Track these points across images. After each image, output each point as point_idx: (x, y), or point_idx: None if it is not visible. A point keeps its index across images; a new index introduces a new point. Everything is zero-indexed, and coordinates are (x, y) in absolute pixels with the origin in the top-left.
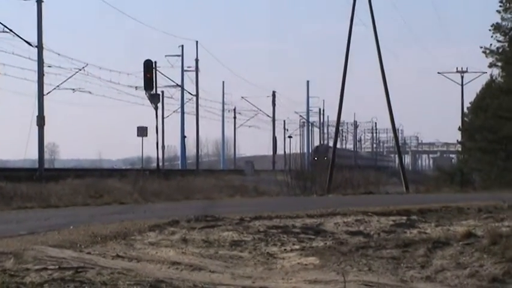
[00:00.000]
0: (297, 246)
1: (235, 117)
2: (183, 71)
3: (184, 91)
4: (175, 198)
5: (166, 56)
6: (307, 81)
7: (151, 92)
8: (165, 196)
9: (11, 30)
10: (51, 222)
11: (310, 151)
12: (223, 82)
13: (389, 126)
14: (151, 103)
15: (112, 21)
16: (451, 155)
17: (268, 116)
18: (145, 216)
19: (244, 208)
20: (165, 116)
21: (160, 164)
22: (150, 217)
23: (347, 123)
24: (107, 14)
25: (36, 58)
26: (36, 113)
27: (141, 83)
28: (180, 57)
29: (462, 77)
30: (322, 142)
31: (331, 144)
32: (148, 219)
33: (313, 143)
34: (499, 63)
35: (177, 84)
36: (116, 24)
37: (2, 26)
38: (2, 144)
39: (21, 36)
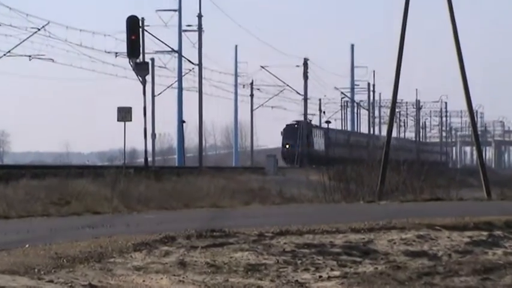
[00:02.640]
0: (336, 273)
1: (252, 95)
2: (180, 30)
3: (183, 59)
4: (170, 207)
5: (157, 10)
6: (352, 45)
7: (137, 60)
8: (156, 203)
9: None
10: None
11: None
12: (235, 46)
13: (465, 107)
14: (137, 75)
15: None
16: None
17: (297, 93)
18: (128, 231)
19: (265, 220)
20: (156, 93)
21: (150, 159)
22: (135, 232)
23: (406, 103)
24: None
25: None
26: None
27: (123, 48)
28: (177, 12)
29: None
30: (307, 119)
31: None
32: (132, 235)
33: (360, 129)
34: None
35: (173, 50)
36: None
37: None
38: None
39: None
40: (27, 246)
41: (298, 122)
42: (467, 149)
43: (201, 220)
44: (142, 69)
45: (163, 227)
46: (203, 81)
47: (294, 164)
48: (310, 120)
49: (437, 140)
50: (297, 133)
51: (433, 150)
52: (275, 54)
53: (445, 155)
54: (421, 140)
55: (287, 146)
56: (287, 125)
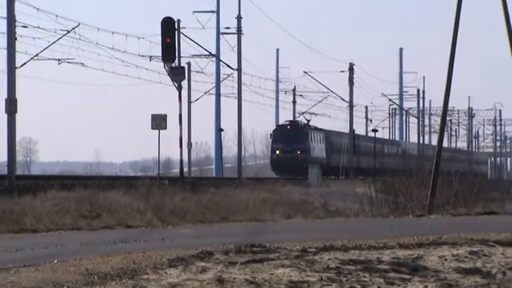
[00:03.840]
0: None
1: (294, 102)
2: (218, 33)
3: (221, 63)
4: (207, 220)
5: (194, 12)
6: (400, 50)
7: (173, 65)
8: (193, 216)
9: None
10: (26, 253)
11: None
12: (277, 50)
13: None
14: (172, 81)
15: None
16: None
17: (342, 99)
18: (163, 246)
19: (308, 234)
20: (192, 99)
21: (185, 169)
22: (170, 247)
23: (458, 111)
24: None
25: (4, 14)
26: (5, 95)
27: (158, 52)
28: (215, 14)
29: None
30: (295, 118)
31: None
32: (167, 250)
33: (408, 138)
34: None
35: (210, 54)
36: None
37: None
38: None
39: None
40: (56, 261)
41: (291, 122)
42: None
43: (240, 234)
44: (178, 74)
45: (200, 242)
46: (242, 87)
47: (286, 174)
48: (309, 121)
49: (491, 150)
50: (291, 136)
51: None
52: (319, 59)
53: (485, 164)
54: (473, 149)
55: (277, 152)
56: (278, 126)
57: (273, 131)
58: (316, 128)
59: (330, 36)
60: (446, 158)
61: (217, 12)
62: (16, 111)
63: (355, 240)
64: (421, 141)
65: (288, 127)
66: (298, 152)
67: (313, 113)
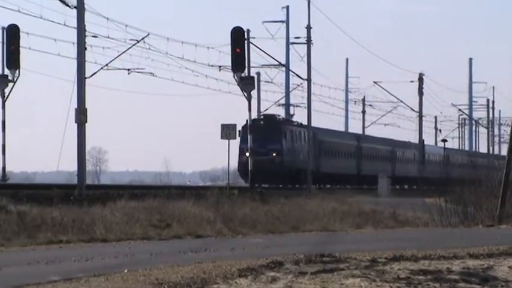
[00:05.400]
0: None
1: (364, 112)
2: (288, 43)
3: (291, 73)
4: (277, 230)
5: (264, 22)
6: (470, 60)
7: (242, 75)
8: (262, 226)
9: None
10: (96, 263)
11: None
12: (346, 60)
13: None
14: (242, 90)
15: None
16: None
17: (412, 109)
18: (233, 256)
19: (378, 244)
20: (262, 109)
21: None
22: (240, 256)
23: None
24: None
25: (74, 24)
26: (75, 105)
27: (228, 62)
28: (284, 24)
29: None
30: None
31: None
32: (237, 260)
33: (478, 148)
34: None
35: (280, 63)
36: None
37: None
38: (28, 150)
39: None
40: (126, 271)
41: (265, 117)
42: None
43: (310, 244)
44: (247, 84)
45: (270, 251)
46: (312, 96)
47: (257, 181)
48: (291, 115)
49: None
50: (265, 133)
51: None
52: (388, 69)
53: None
54: None
55: (246, 154)
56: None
57: (242, 127)
58: (300, 125)
59: (400, 47)
60: None
61: (287, 22)
62: (86, 121)
63: (425, 250)
64: (490, 151)
65: (262, 122)
66: (274, 154)
67: (385, 124)
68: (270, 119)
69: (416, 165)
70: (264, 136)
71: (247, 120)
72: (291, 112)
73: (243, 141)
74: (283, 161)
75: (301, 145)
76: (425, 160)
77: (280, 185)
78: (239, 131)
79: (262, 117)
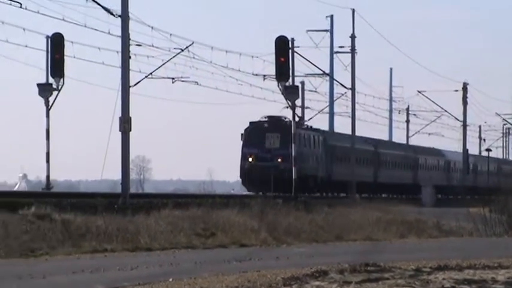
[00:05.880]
0: None
1: (408, 121)
2: (332, 52)
3: (335, 82)
4: (321, 239)
5: (308, 31)
6: None
7: (287, 84)
8: (306, 235)
9: None
10: (141, 271)
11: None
12: (390, 69)
13: None
14: (286, 100)
15: None
16: None
17: (456, 119)
18: (278, 265)
19: (422, 254)
20: (306, 118)
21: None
22: (284, 266)
23: None
24: None
25: (119, 33)
26: (119, 114)
27: (272, 71)
28: (329, 33)
29: None
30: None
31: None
32: (282, 269)
33: None
34: None
35: (324, 73)
36: None
37: None
38: (71, 159)
39: (98, 1)
40: (170, 280)
41: (271, 119)
42: None
43: (354, 253)
44: (291, 93)
45: (315, 261)
46: (356, 105)
47: (261, 189)
48: (300, 117)
49: None
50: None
51: None
52: (432, 78)
53: None
54: None
55: (250, 159)
56: (252, 124)
57: (245, 130)
58: (310, 128)
59: (444, 56)
60: None
61: (331, 31)
62: (130, 130)
63: (469, 259)
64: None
65: (266, 125)
66: (279, 160)
67: (429, 133)
68: (276, 121)
69: (442, 172)
70: (269, 140)
71: (250, 123)
72: (300, 114)
73: (246, 145)
74: (289, 168)
75: (310, 150)
76: (469, 170)
77: (287, 194)
78: (241, 134)
79: (267, 119)
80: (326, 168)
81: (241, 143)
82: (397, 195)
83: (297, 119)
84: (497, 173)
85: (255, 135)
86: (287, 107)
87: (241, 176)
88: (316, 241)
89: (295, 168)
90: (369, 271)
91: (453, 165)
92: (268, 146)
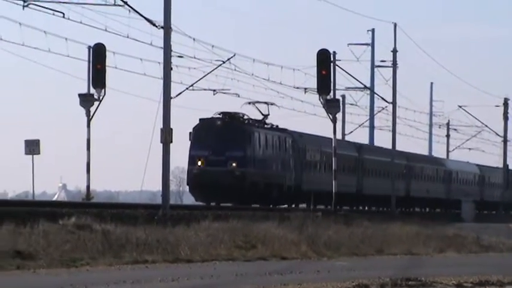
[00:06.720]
0: None
1: (448, 136)
2: (373, 66)
3: (375, 96)
4: (361, 252)
5: (349, 44)
6: None
7: (328, 97)
8: (347, 249)
9: (125, 3)
10: (182, 283)
11: None
12: (431, 84)
13: None
14: (327, 113)
15: None
16: None
17: (497, 134)
18: (319, 278)
19: (462, 269)
20: (346, 131)
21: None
22: (326, 279)
23: None
24: None
25: (161, 44)
26: (160, 125)
27: (313, 84)
28: (370, 47)
29: None
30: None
31: None
32: (323, 282)
33: None
34: None
35: (365, 86)
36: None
37: None
38: (111, 170)
39: (141, 12)
40: None
41: (225, 116)
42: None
43: (395, 268)
44: (332, 106)
45: (355, 274)
46: (396, 119)
47: (211, 199)
48: (265, 116)
49: None
50: (223, 137)
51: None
52: (473, 93)
53: None
54: None
55: (198, 163)
56: (202, 121)
57: (193, 128)
58: (275, 128)
59: (485, 71)
60: None
61: (372, 45)
62: (171, 141)
63: (510, 275)
64: None
65: (219, 123)
66: (234, 165)
67: (469, 148)
68: (231, 118)
69: (440, 184)
70: (222, 140)
71: (200, 120)
72: (264, 112)
73: (194, 147)
74: (245, 173)
75: (273, 154)
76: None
77: (242, 204)
78: (189, 133)
79: (220, 115)
80: (296, 176)
81: (189, 143)
82: (430, 210)
83: (260, 116)
84: None
85: (205, 134)
86: (249, 103)
87: (188, 183)
88: (356, 254)
89: (253, 173)
90: (410, 285)
91: (487, 179)
92: (221, 147)
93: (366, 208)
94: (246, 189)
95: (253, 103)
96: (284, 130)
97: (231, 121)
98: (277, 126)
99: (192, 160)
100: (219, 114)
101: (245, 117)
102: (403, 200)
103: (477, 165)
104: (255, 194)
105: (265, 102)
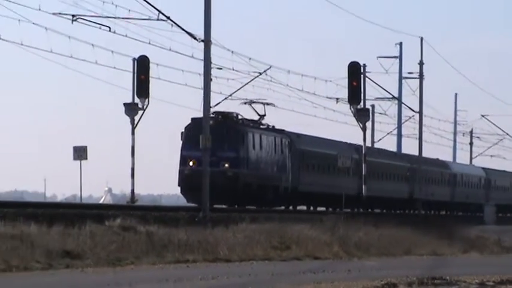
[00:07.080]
0: None
1: (471, 143)
2: (401, 77)
3: (403, 106)
4: (390, 253)
5: (378, 57)
6: None
7: (358, 107)
8: (376, 249)
9: (168, 18)
10: (221, 281)
11: None
12: (455, 94)
13: None
14: (357, 121)
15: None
16: None
17: None
18: (350, 277)
19: (484, 269)
20: (375, 139)
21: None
22: (356, 278)
23: None
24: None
25: (201, 57)
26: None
27: (344, 94)
28: (398, 60)
29: None
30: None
31: None
32: (354, 281)
33: None
34: None
35: (393, 96)
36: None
37: (157, 12)
38: (153, 174)
39: (182, 27)
40: None
41: (218, 115)
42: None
43: (421, 267)
44: (363, 115)
45: (384, 273)
46: (423, 128)
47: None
48: (261, 116)
49: None
50: (216, 137)
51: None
52: (495, 103)
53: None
54: None
55: (190, 164)
56: (194, 120)
57: (185, 128)
58: (272, 129)
59: (507, 81)
60: None
61: (400, 57)
62: (210, 147)
63: None
64: None
65: (211, 122)
66: (226, 165)
67: (491, 155)
68: (224, 118)
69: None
70: (215, 141)
71: (192, 119)
72: (260, 112)
73: (186, 147)
74: (239, 174)
75: (269, 155)
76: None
77: (236, 206)
78: (181, 133)
79: (213, 115)
80: (293, 178)
81: (181, 143)
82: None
83: (257, 116)
84: None
85: (197, 134)
86: (245, 103)
87: (179, 184)
88: (386, 255)
89: (246, 174)
90: (435, 284)
91: (493, 183)
92: (213, 148)
93: (384, 211)
94: (239, 191)
95: (250, 103)
96: (281, 131)
97: (224, 121)
98: (273, 126)
99: (183, 160)
100: (213, 113)
101: (239, 117)
102: (406, 201)
103: (483, 168)
104: (248, 195)
105: (262, 103)
